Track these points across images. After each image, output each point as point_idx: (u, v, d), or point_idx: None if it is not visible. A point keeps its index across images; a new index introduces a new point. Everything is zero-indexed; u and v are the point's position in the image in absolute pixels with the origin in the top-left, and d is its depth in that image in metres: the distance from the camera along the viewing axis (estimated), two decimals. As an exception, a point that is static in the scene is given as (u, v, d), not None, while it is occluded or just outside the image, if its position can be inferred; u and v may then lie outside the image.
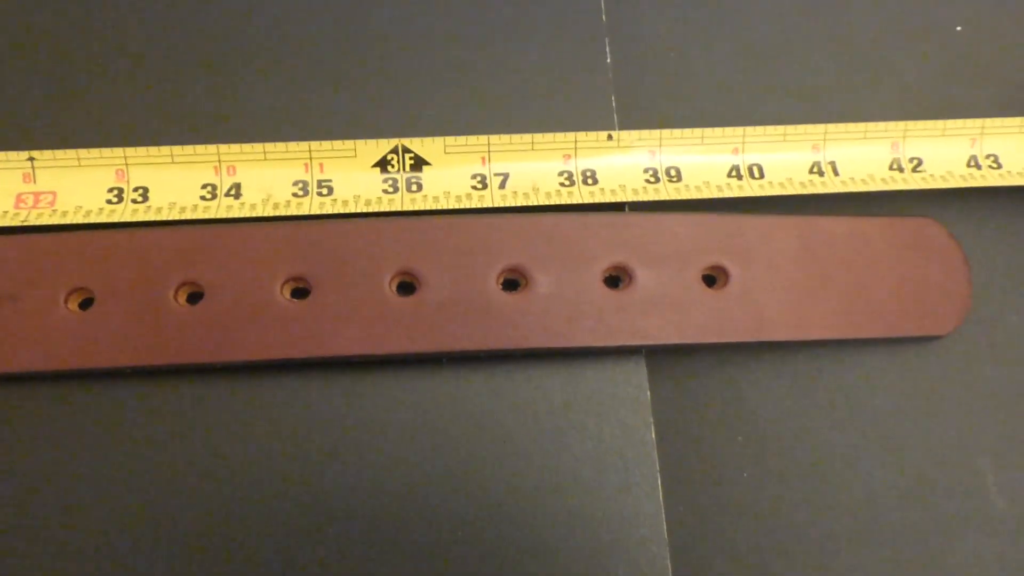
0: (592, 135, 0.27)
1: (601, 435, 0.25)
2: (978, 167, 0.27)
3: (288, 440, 0.24)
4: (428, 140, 0.26)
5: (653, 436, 0.25)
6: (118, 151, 0.25)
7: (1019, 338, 0.27)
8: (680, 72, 0.29)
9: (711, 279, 0.26)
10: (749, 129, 0.27)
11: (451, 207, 0.26)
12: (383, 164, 0.26)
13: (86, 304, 0.24)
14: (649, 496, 0.25)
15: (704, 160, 0.27)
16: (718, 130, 0.27)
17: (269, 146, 0.26)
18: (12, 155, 0.25)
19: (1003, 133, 0.27)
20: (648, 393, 0.25)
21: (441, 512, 0.24)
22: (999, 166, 0.27)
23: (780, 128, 0.27)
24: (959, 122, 0.27)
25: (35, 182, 0.25)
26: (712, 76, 0.29)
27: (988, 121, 0.27)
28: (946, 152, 0.27)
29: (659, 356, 0.26)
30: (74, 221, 0.25)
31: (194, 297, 0.24)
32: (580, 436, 0.25)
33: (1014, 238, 0.28)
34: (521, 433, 0.25)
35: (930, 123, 0.27)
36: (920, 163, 0.27)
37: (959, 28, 0.30)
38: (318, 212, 0.25)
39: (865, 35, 0.30)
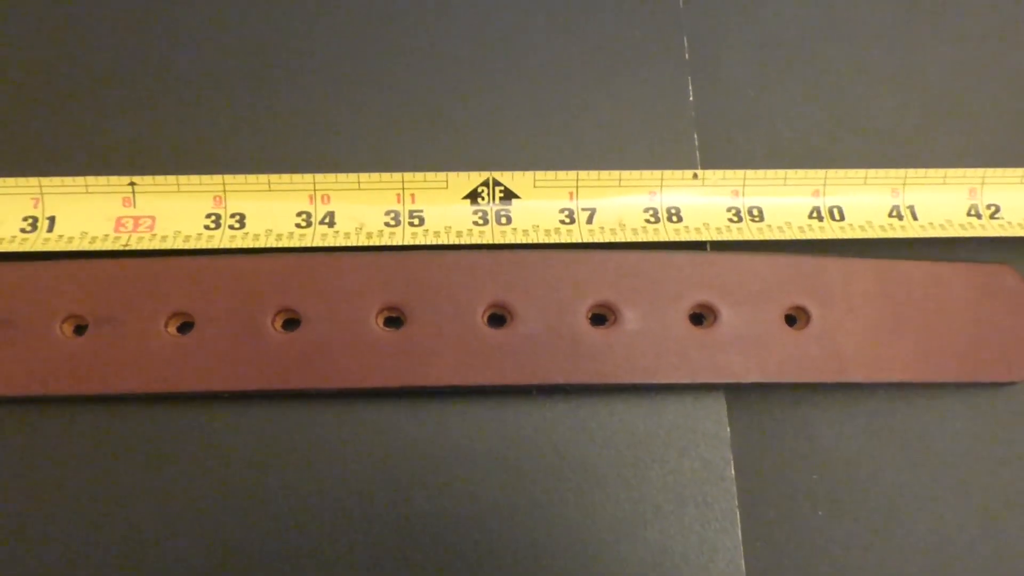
0: (678, 173, 0.27)
1: (681, 469, 0.26)
2: (1055, 216, 0.28)
3: (378, 466, 0.25)
4: (518, 174, 0.27)
5: (732, 472, 0.26)
6: (216, 178, 0.26)
7: (1091, 385, 0.28)
8: (761, 111, 0.30)
9: (792, 319, 0.26)
10: (831, 172, 0.27)
11: (540, 240, 0.26)
12: (474, 196, 0.27)
13: (185, 328, 0.25)
14: (728, 531, 0.25)
15: (786, 201, 0.27)
16: (800, 172, 0.27)
17: (363, 176, 0.26)
18: (113, 179, 0.26)
19: (1080, 183, 0.28)
20: (728, 429, 0.26)
21: (523, 539, 0.24)
22: (1076, 215, 0.28)
23: (861, 171, 0.28)
24: (1038, 171, 0.28)
25: (135, 206, 0.26)
26: (792, 116, 0.30)
27: (1067, 170, 0.28)
28: (1024, 200, 0.28)
29: (737, 392, 0.27)
30: (173, 246, 0.25)
31: (290, 324, 0.25)
32: (661, 469, 0.26)
33: (1088, 286, 0.28)
34: (603, 464, 0.25)
35: (1008, 171, 0.28)
36: (998, 210, 0.28)
37: (1036, 75, 0.31)
38: (410, 242, 0.26)
39: (945, 80, 0.30)
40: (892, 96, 0.30)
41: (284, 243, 0.26)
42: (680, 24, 0.30)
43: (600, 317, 0.26)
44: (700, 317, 0.26)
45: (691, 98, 0.29)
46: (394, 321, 0.25)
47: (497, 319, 0.25)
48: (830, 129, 0.30)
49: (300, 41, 0.29)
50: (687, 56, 0.30)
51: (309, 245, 0.26)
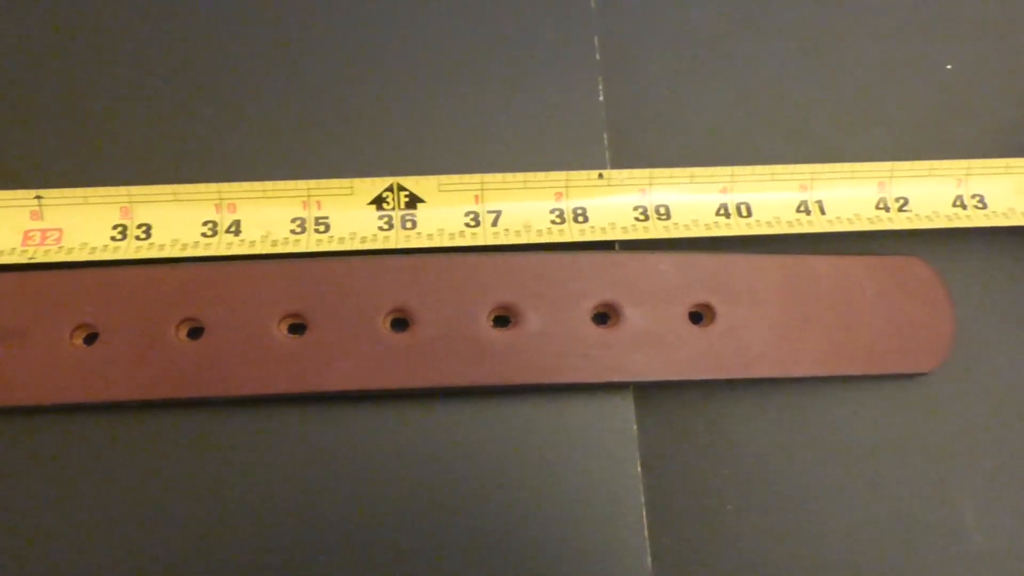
0: (583, 174, 0.27)
1: (588, 468, 0.26)
2: (964, 207, 0.28)
3: (284, 472, 0.25)
4: (423, 178, 0.27)
5: (639, 469, 0.26)
6: (122, 189, 0.26)
7: (1000, 376, 0.28)
8: (672, 111, 0.30)
9: (698, 316, 0.27)
10: (738, 168, 0.28)
11: (445, 244, 0.26)
12: (379, 202, 0.27)
13: (91, 339, 0.25)
14: (634, 529, 0.25)
15: (693, 199, 0.28)
16: (707, 169, 0.28)
17: (269, 184, 0.26)
18: (20, 193, 0.26)
19: (989, 174, 0.28)
20: (635, 427, 0.26)
21: (430, 543, 0.25)
22: (984, 206, 0.28)
23: (768, 168, 0.28)
24: (945, 163, 0.28)
25: (42, 219, 0.26)
26: (703, 115, 0.30)
27: (974, 162, 0.28)
28: (932, 192, 0.28)
29: (647, 390, 0.27)
30: (79, 258, 0.26)
31: (195, 332, 0.25)
32: (567, 469, 0.26)
33: (998, 277, 0.29)
34: (509, 466, 0.26)
35: (917, 164, 0.28)
36: (906, 203, 0.28)
37: (949, 67, 0.31)
38: (315, 249, 0.26)
39: (855, 74, 0.30)
40: (802, 92, 0.30)
41: (190, 252, 0.26)
42: (591, 24, 0.30)
43: (503, 319, 0.26)
44: (604, 317, 0.26)
45: (601, 98, 0.29)
46: (297, 328, 0.25)
47: (399, 323, 0.26)
48: (741, 127, 0.30)
49: (203, 50, 0.29)
50: (598, 56, 0.30)
51: (215, 254, 0.26)
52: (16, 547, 0.24)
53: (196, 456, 0.25)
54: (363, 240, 0.26)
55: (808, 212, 0.28)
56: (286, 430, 0.25)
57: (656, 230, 0.27)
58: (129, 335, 0.25)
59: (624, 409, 0.26)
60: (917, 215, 0.28)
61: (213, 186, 0.26)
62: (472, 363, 0.25)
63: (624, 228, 0.27)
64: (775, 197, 0.28)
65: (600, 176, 0.27)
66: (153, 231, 0.26)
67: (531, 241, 0.27)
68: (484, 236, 0.27)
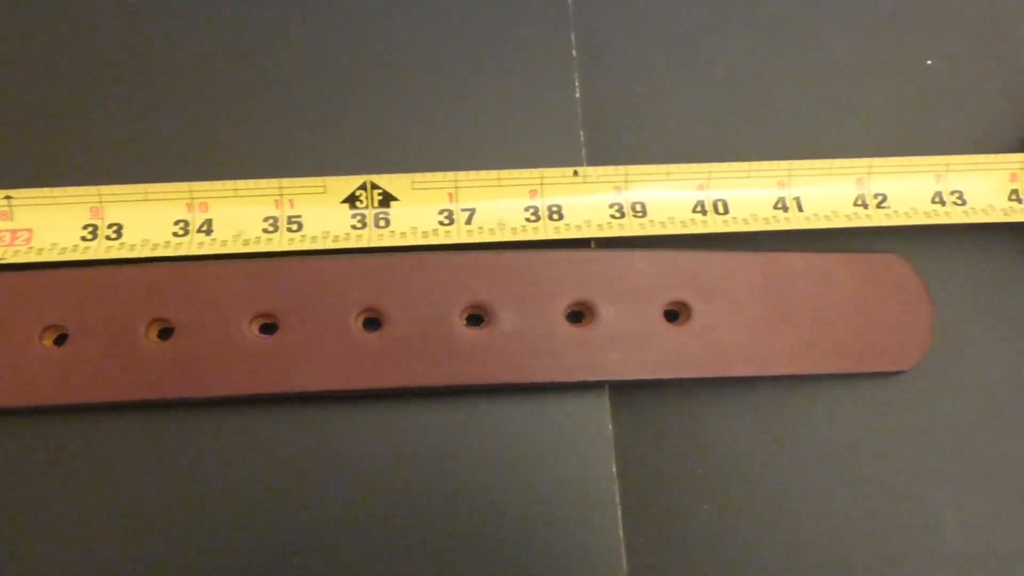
0: (558, 171, 0.27)
1: (563, 468, 0.26)
2: (943, 203, 0.27)
3: (256, 473, 0.25)
4: (396, 176, 0.27)
5: (614, 469, 0.26)
6: (93, 189, 0.26)
7: (980, 374, 0.27)
8: (649, 107, 0.29)
9: (674, 315, 0.26)
10: (715, 165, 0.27)
11: (418, 242, 0.26)
12: (352, 200, 0.27)
13: (60, 340, 0.25)
14: (609, 529, 0.25)
15: (669, 195, 0.27)
16: (684, 166, 0.27)
17: (240, 183, 0.26)
18: (-11, 194, 0.26)
19: (968, 170, 0.28)
20: (610, 426, 0.26)
21: (404, 543, 0.25)
22: (963, 203, 0.27)
23: (746, 164, 0.27)
24: (924, 159, 0.28)
25: (12, 220, 0.26)
26: (681, 111, 0.29)
27: (953, 158, 0.28)
28: (911, 188, 0.28)
29: (622, 389, 0.27)
30: (50, 259, 0.25)
31: (165, 333, 0.25)
32: (542, 469, 0.26)
33: (977, 274, 0.28)
34: (484, 466, 0.25)
35: (895, 160, 0.28)
36: (885, 199, 0.27)
37: (929, 62, 0.30)
38: (288, 248, 0.26)
39: (834, 70, 0.30)
40: (781, 87, 0.30)
41: (161, 252, 0.26)
42: (567, 20, 0.30)
43: (476, 318, 0.26)
44: (579, 315, 0.26)
45: (577, 95, 0.29)
46: (269, 328, 0.25)
47: (371, 323, 0.26)
48: (718, 123, 0.29)
49: (174, 48, 0.29)
50: (574, 53, 0.29)
51: (186, 254, 0.26)
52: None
53: (166, 458, 0.25)
54: (336, 239, 0.26)
55: (786, 209, 0.27)
56: (257, 431, 0.25)
57: (632, 227, 0.27)
58: (99, 336, 0.25)
59: (599, 408, 0.26)
60: (896, 212, 0.27)
61: (184, 185, 0.26)
62: (445, 363, 0.25)
63: (600, 226, 0.27)
64: (752, 194, 0.27)
65: (575, 173, 0.27)
66: (124, 231, 0.26)
67: (505, 239, 0.27)
68: (458, 234, 0.26)
